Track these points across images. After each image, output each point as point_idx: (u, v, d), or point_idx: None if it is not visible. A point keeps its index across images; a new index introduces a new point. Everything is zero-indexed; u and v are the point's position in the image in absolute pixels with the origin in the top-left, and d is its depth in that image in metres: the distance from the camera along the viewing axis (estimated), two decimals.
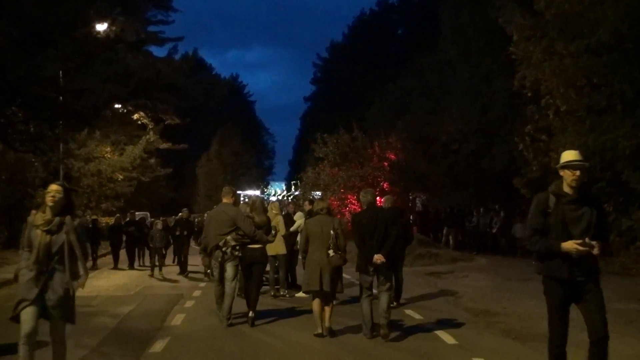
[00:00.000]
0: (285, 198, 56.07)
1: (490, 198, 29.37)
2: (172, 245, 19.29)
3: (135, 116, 38.64)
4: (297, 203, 22.92)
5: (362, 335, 8.74)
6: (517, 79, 19.48)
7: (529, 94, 19.55)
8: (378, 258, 8.43)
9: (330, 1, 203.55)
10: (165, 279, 17.24)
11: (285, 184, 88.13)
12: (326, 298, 8.76)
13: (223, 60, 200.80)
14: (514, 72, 24.71)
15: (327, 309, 8.76)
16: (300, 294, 12.55)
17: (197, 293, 13.83)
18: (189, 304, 12.30)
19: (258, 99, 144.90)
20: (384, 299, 8.58)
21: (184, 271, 18.27)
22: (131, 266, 20.33)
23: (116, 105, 36.18)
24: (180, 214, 21.36)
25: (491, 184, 28.51)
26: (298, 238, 12.69)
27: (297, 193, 72.41)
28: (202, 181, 60.85)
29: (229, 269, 9.83)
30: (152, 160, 42.95)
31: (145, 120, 39.33)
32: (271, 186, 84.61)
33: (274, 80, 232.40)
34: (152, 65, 32.43)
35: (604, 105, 16.56)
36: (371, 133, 30.11)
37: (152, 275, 17.71)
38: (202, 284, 15.17)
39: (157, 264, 17.94)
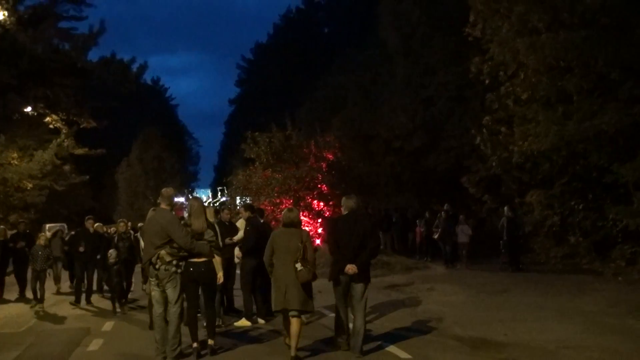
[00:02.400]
0: (212, 205, 52.98)
1: (434, 199, 27.50)
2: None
3: (47, 119, 35.42)
4: (231, 209, 20.24)
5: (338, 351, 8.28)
6: (475, 64, 17.49)
7: (487, 81, 17.64)
8: (350, 268, 7.97)
9: (253, 5, 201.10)
10: (46, 312, 13.49)
11: (211, 191, 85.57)
12: (295, 316, 7.95)
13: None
14: (461, 62, 23.07)
15: (295, 326, 7.93)
16: (241, 323, 10.25)
17: (107, 326, 11.18)
18: (95, 344, 9.63)
19: (181, 105, 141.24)
20: (359, 317, 8.11)
21: (77, 300, 14.35)
22: (22, 294, 15.96)
23: (26, 109, 33.07)
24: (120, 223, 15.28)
25: (435, 183, 26.66)
26: (236, 250, 11.23)
27: (223, 199, 70.16)
28: (123, 188, 57.10)
29: (168, 291, 8.07)
30: (67, 167, 39.31)
31: (58, 124, 36.00)
32: (196, 193, 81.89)
33: (198, 86, 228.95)
34: (46, 40, 28.68)
35: (581, 89, 14.61)
36: (306, 131, 27.67)
37: (33, 307, 13.87)
38: (117, 312, 12.61)
39: (38, 291, 13.99)
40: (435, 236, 19.55)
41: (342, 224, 8.39)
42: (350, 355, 8.09)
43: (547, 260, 19.62)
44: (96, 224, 15.84)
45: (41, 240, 14.70)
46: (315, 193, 25.63)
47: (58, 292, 16.71)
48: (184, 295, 8.29)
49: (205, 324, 8.83)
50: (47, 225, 29.36)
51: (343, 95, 35.08)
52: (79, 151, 38.53)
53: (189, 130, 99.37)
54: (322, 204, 25.77)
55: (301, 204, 25.49)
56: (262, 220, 11.84)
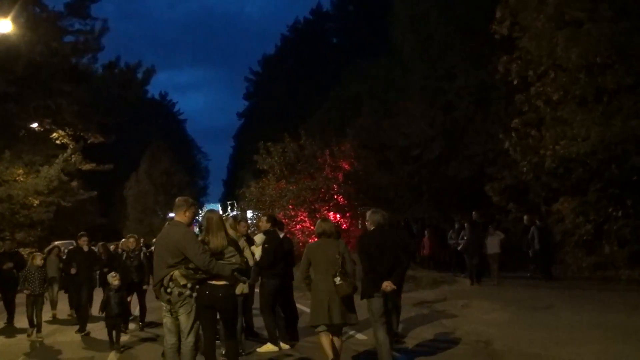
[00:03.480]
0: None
1: (454, 209, 26.40)
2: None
3: (54, 135, 34.56)
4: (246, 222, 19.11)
5: None
6: (502, 63, 16.41)
7: (515, 82, 16.56)
8: (387, 285, 7.60)
9: (258, 19, 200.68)
10: (42, 343, 11.86)
11: (221, 205, 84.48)
12: (335, 333, 7.75)
13: (153, 81, 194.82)
14: (483, 64, 22.03)
15: (337, 343, 7.72)
16: (265, 349, 9.17)
17: (113, 357, 9.86)
18: None
19: (190, 121, 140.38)
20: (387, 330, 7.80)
21: (82, 328, 12.39)
22: (10, 322, 13.92)
23: (33, 125, 32.20)
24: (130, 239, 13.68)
25: (455, 192, 25.54)
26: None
27: (234, 214, 69.18)
28: (131, 204, 56.15)
29: (181, 318, 6.88)
30: (74, 183, 38.33)
31: (65, 140, 35.13)
32: (206, 207, 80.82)
33: (206, 102, 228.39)
34: (44, 43, 27.40)
35: (620, 87, 13.51)
36: (320, 141, 26.64)
37: (30, 336, 12.19)
38: (125, 337, 11.26)
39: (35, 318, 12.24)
40: (459, 248, 18.19)
41: (371, 239, 8.03)
42: None
43: (578, 270, 18.52)
44: (100, 243, 14.76)
45: (37, 260, 12.74)
46: (331, 205, 24.62)
47: (54, 318, 14.88)
48: (200, 324, 7.14)
49: (223, 353, 7.81)
50: (56, 243, 28.16)
51: (356, 105, 34.17)
52: (87, 167, 37.57)
53: (197, 144, 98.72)
54: (338, 215, 24.76)
55: (317, 216, 24.49)
56: (282, 234, 10.69)
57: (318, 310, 7.64)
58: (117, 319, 10.35)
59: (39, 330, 12.23)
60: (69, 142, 35.31)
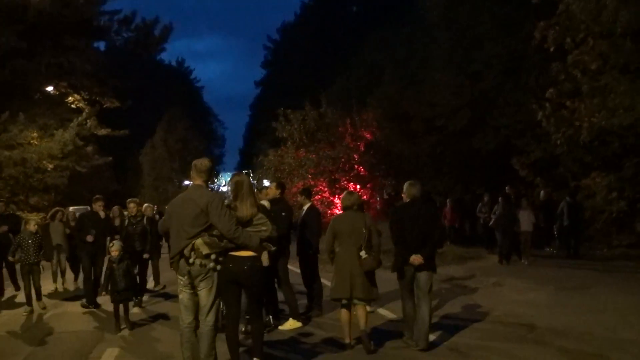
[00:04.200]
0: None
1: (477, 182, 25.59)
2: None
3: (70, 99, 34.03)
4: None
5: (404, 343, 7.69)
6: (539, 29, 15.50)
7: (552, 49, 15.66)
8: (416, 259, 7.38)
9: None
10: (49, 315, 11.01)
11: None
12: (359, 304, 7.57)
13: (171, 49, 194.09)
14: (513, 31, 21.13)
15: (362, 312, 7.54)
16: (290, 325, 8.57)
17: (125, 331, 9.12)
18: (110, 354, 7.83)
19: (207, 89, 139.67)
20: (424, 307, 7.45)
21: (89, 301, 11.41)
22: (16, 286, 13.14)
23: (48, 89, 31.60)
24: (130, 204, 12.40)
25: (479, 165, 24.69)
26: None
27: (252, 182, 68.66)
28: (146, 171, 55.73)
29: (201, 293, 6.11)
30: (89, 148, 37.78)
31: (80, 104, 34.59)
32: (222, 176, 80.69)
33: (223, 70, 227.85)
34: None
35: None
36: (341, 109, 25.86)
37: (26, 313, 11.08)
38: (133, 309, 10.47)
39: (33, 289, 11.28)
40: (491, 223, 16.94)
41: (405, 212, 7.75)
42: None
43: (608, 249, 17.76)
44: (115, 207, 13.80)
45: (30, 226, 11.48)
46: (351, 175, 23.93)
47: (56, 291, 13.79)
48: (221, 301, 6.46)
49: (243, 330, 7.16)
50: (70, 208, 27.29)
51: (377, 74, 33.31)
52: (102, 132, 37.11)
53: (214, 112, 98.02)
54: (358, 186, 24.08)
55: (336, 186, 23.84)
56: (308, 204, 10.01)
57: (340, 283, 7.49)
58: (123, 293, 9.13)
59: (39, 298, 11.37)
60: (84, 106, 34.88)
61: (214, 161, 76.54)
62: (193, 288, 6.07)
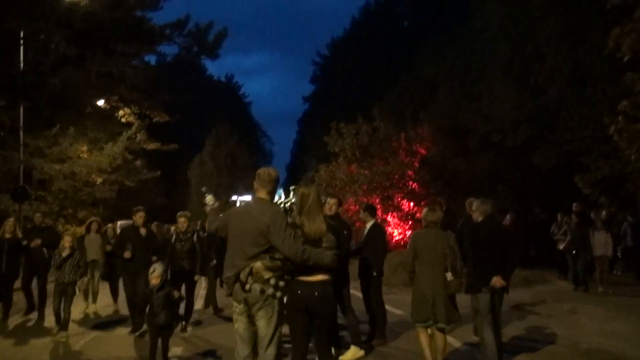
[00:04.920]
0: (284, 205, 50.80)
1: (535, 201, 24.51)
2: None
3: (120, 112, 33.90)
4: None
5: None
6: (614, 36, 14.50)
7: (626, 58, 14.65)
8: (497, 281, 7.15)
9: (328, 4, 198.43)
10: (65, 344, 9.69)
11: (284, 190, 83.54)
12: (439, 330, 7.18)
13: (220, 66, 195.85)
14: (578, 41, 20.17)
15: (440, 341, 7.18)
16: (352, 355, 7.78)
17: None
18: None
19: (254, 105, 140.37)
20: (496, 332, 7.20)
21: (135, 328, 10.17)
22: (41, 315, 11.70)
23: (99, 102, 31.47)
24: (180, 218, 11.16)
25: (538, 183, 23.60)
26: None
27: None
28: (194, 186, 55.58)
29: (261, 323, 5.24)
30: (138, 162, 37.64)
31: (130, 118, 34.44)
32: None
33: (272, 87, 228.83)
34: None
35: None
36: (395, 123, 25.00)
37: (55, 336, 10.12)
38: (181, 334, 9.69)
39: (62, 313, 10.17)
40: (561, 246, 15.43)
41: (481, 231, 7.49)
42: None
43: None
44: (155, 223, 12.90)
45: (66, 242, 10.19)
46: (405, 192, 23.03)
47: (94, 314, 12.54)
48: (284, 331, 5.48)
49: None
50: (119, 222, 26.57)
51: (430, 89, 32.42)
52: (151, 146, 36.90)
53: (262, 128, 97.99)
54: (412, 204, 23.16)
55: (390, 203, 22.99)
56: (372, 222, 9.26)
57: (421, 305, 7.10)
58: (162, 330, 7.79)
59: (64, 328, 10.05)
60: (134, 120, 34.67)
61: None
62: (250, 317, 5.27)
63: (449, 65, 32.73)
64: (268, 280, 5.13)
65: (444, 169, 23.66)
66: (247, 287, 5.12)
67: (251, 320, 5.26)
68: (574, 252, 14.73)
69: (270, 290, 5.13)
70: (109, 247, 12.79)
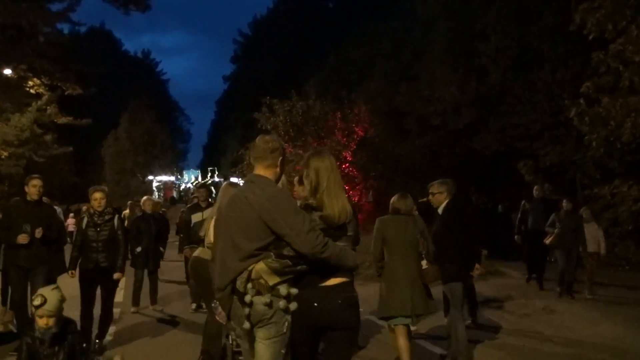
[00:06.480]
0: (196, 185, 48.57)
1: (472, 187, 23.70)
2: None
3: (30, 83, 31.54)
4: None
5: None
6: (580, 12, 13.59)
7: (591, 36, 13.79)
8: (478, 269, 7.00)
9: None
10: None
11: (201, 171, 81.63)
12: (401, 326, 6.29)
13: (138, 43, 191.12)
14: (525, 22, 19.40)
15: (405, 341, 6.27)
16: None
17: None
18: None
19: (172, 84, 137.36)
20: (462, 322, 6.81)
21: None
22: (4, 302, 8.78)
23: (5, 71, 29.11)
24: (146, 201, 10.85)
25: (477, 169, 22.82)
26: None
27: (217, 180, 66.39)
28: (109, 164, 53.20)
29: (260, 347, 3.58)
30: (48, 137, 35.39)
31: (40, 89, 32.12)
32: (185, 173, 78.70)
33: (190, 67, 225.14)
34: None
35: None
36: (331, 101, 23.71)
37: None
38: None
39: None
40: (548, 241, 11.84)
41: (455, 212, 6.88)
42: None
43: (627, 264, 15.99)
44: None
45: None
46: (343, 174, 21.86)
47: None
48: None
49: None
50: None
51: (360, 70, 31.45)
52: (63, 120, 34.74)
53: (180, 107, 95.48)
54: (346, 187, 22.00)
55: None
56: None
57: (396, 299, 6.22)
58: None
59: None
60: (44, 91, 32.45)
61: (177, 157, 73.87)
62: (254, 338, 3.64)
63: (382, 46, 31.72)
64: (275, 287, 3.52)
65: (382, 150, 22.56)
66: (248, 298, 3.53)
67: (253, 339, 3.67)
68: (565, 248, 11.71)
69: (281, 303, 3.50)
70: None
